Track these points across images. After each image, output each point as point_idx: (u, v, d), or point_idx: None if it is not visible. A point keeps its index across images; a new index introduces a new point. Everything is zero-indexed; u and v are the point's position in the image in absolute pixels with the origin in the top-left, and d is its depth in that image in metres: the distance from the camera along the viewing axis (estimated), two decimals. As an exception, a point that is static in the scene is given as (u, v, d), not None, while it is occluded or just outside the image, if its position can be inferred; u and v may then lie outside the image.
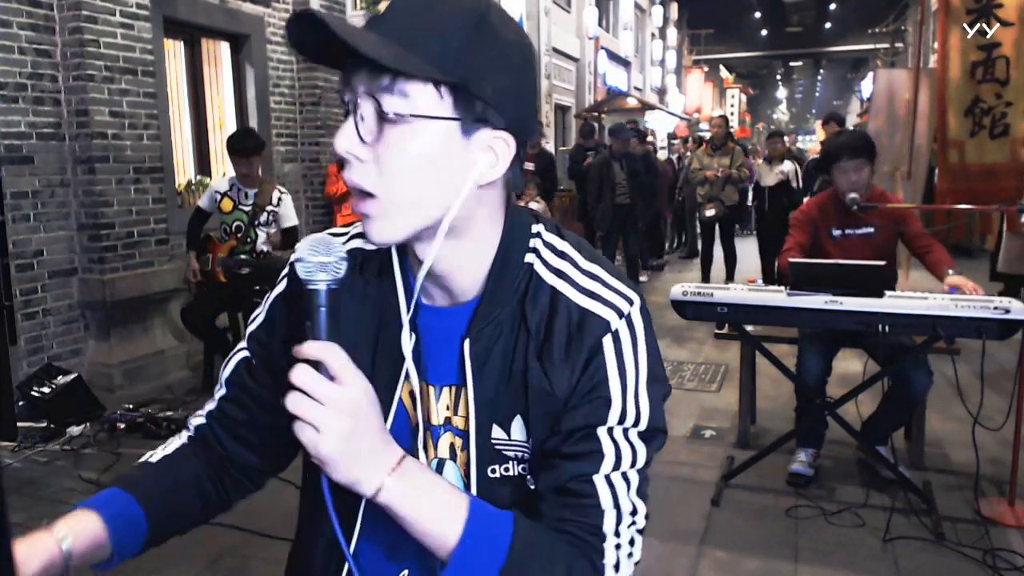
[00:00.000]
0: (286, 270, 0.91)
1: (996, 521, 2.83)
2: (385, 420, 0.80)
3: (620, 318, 0.79)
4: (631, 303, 0.80)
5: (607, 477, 0.77)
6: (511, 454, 0.80)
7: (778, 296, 2.83)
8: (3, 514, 0.47)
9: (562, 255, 0.83)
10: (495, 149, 0.75)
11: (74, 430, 3.85)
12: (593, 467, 0.77)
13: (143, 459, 0.91)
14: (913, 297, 2.71)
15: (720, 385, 4.69)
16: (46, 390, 4.00)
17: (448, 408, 0.83)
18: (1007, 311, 2.54)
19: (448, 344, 0.81)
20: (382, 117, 0.71)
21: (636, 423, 0.78)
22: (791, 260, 2.92)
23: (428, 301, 0.84)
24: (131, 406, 4.06)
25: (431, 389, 0.83)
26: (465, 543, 0.71)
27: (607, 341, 0.78)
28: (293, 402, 0.67)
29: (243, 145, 4.39)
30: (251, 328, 0.93)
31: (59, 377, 4.09)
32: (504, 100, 0.74)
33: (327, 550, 0.87)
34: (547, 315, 0.79)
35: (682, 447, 3.69)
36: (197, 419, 0.95)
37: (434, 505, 0.71)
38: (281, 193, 4.48)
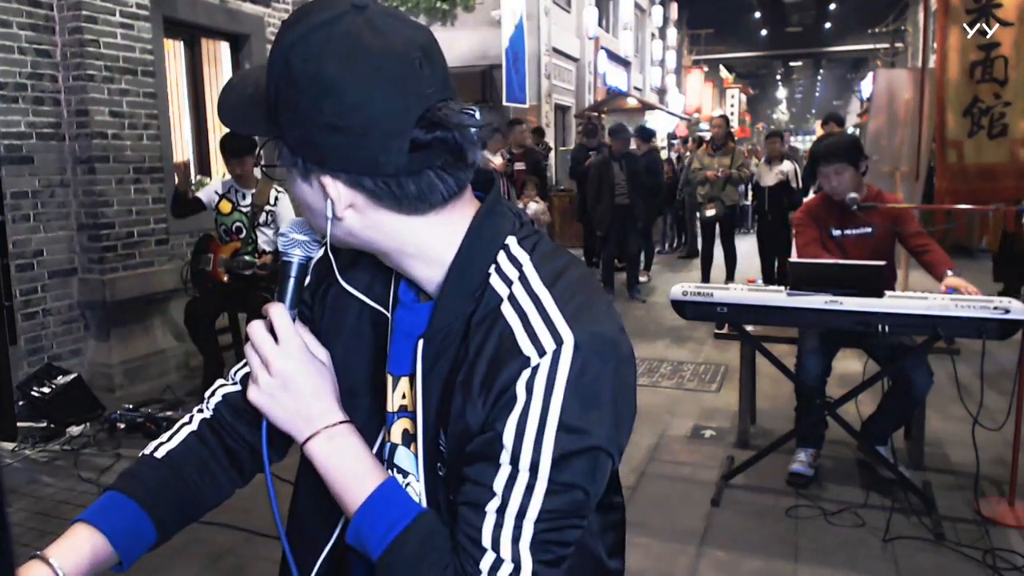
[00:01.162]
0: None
1: (996, 521, 2.84)
2: (385, 400, 0.85)
3: (540, 355, 0.72)
4: (560, 343, 0.73)
5: (497, 513, 0.73)
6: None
7: (778, 296, 2.83)
8: (3, 514, 0.47)
9: (520, 271, 0.78)
10: (332, 190, 0.75)
11: (74, 430, 3.86)
12: (481, 499, 0.74)
13: (147, 451, 0.90)
14: (913, 297, 2.71)
15: (720, 385, 4.69)
16: (46, 390, 4.00)
17: (404, 397, 0.84)
18: (1007, 311, 2.54)
19: (408, 336, 0.83)
20: None
21: (533, 472, 0.72)
22: (791, 260, 2.93)
23: (414, 292, 0.85)
24: (131, 406, 4.07)
25: (388, 377, 0.85)
26: (360, 517, 0.76)
27: (522, 378, 0.72)
28: (247, 349, 0.81)
29: (235, 145, 4.34)
30: None
31: (59, 377, 4.10)
32: (306, 146, 0.74)
33: (314, 532, 0.88)
34: (484, 334, 0.76)
35: (682, 447, 3.69)
36: (224, 388, 0.95)
37: (350, 471, 0.78)
38: (278, 192, 4.46)
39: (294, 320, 0.84)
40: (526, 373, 0.72)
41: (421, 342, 0.79)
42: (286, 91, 0.73)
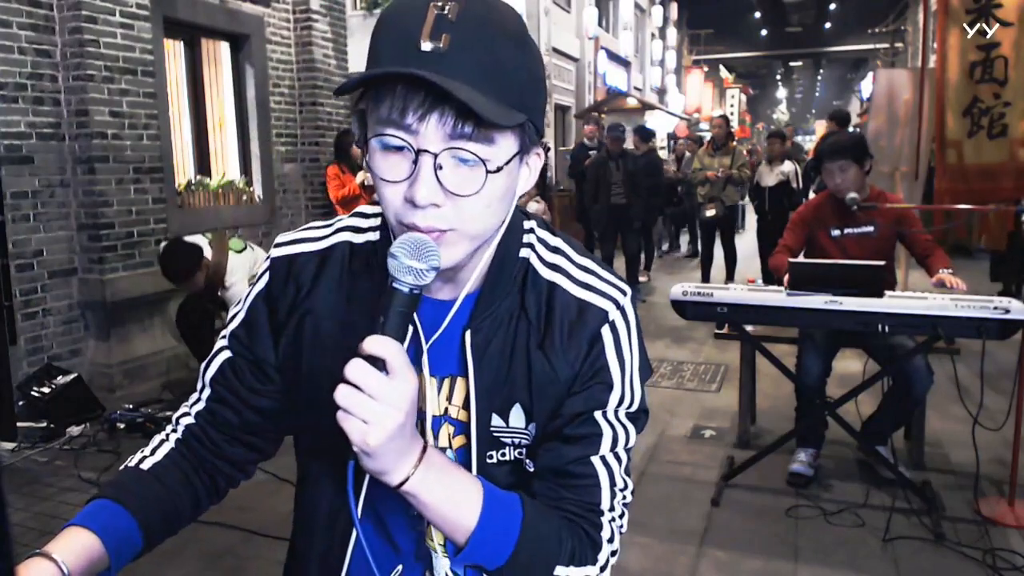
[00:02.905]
0: (265, 265, 0.90)
1: (996, 521, 2.84)
2: None
3: (616, 308, 0.84)
4: (624, 293, 0.86)
5: (603, 457, 0.83)
6: (508, 440, 0.83)
7: (778, 296, 2.83)
8: (3, 514, 0.47)
9: (556, 250, 0.87)
10: (530, 163, 0.80)
11: (74, 430, 3.86)
12: (593, 449, 0.82)
13: (131, 463, 0.90)
14: (913, 297, 2.71)
15: (720, 385, 4.69)
16: (46, 390, 4.00)
17: (446, 398, 0.85)
18: (1007, 311, 2.54)
19: (448, 335, 0.82)
20: (466, 163, 0.71)
21: (630, 406, 0.85)
22: (791, 260, 2.93)
23: (428, 293, 0.84)
24: (131, 406, 4.06)
25: (431, 380, 0.85)
26: (481, 527, 0.74)
27: (606, 330, 0.83)
28: (343, 395, 0.67)
29: (177, 271, 3.93)
30: (231, 326, 0.91)
31: (59, 377, 4.09)
32: (542, 115, 0.78)
33: (326, 545, 0.88)
34: (545, 307, 0.83)
35: (682, 447, 3.69)
36: (185, 418, 0.93)
37: (453, 493, 0.74)
38: (225, 290, 3.99)
39: None
40: (607, 327, 0.83)
41: (468, 333, 0.81)
42: (535, 70, 0.76)
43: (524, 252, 0.85)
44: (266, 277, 0.89)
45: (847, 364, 4.03)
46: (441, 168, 0.71)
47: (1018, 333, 2.62)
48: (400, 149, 0.71)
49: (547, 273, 0.85)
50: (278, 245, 0.90)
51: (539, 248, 0.87)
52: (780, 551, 2.70)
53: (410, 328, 0.81)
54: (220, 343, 0.92)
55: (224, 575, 2.59)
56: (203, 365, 0.93)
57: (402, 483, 0.71)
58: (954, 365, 3.02)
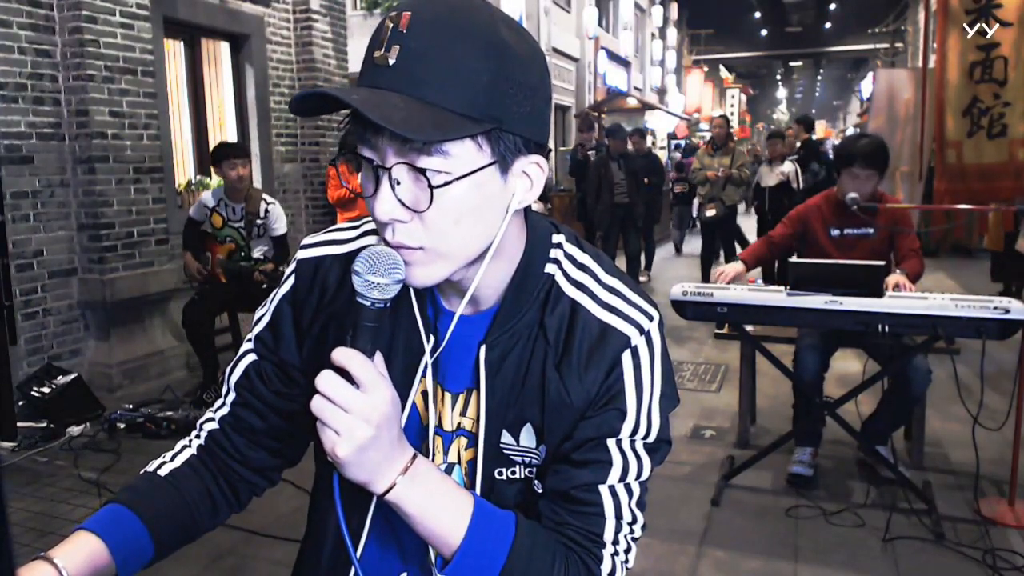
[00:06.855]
0: (292, 267, 0.90)
1: (996, 521, 2.84)
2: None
3: (640, 334, 0.80)
4: (651, 319, 0.82)
5: (612, 487, 0.79)
6: (518, 459, 0.82)
7: (778, 296, 2.83)
8: (3, 514, 0.47)
9: (583, 268, 0.84)
10: (529, 173, 0.76)
11: (74, 430, 3.85)
12: (600, 477, 0.79)
13: (150, 469, 0.89)
14: (913, 297, 2.71)
15: (720, 385, 4.69)
16: (46, 390, 4.00)
17: (460, 413, 0.83)
18: (1007, 311, 2.54)
19: (466, 350, 0.82)
20: (420, 178, 0.69)
21: (646, 436, 0.81)
22: (791, 260, 2.93)
23: (449, 306, 0.84)
24: (131, 406, 4.06)
25: (447, 395, 0.84)
26: (468, 543, 0.73)
27: (626, 356, 0.79)
28: (317, 405, 0.69)
29: (234, 147, 4.42)
30: (257, 329, 0.91)
31: (59, 377, 4.09)
32: (532, 123, 0.73)
33: (335, 551, 0.87)
34: (566, 327, 0.80)
35: (682, 447, 3.69)
36: (209, 423, 0.93)
37: (441, 505, 0.73)
38: (268, 204, 4.46)
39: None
40: (628, 353, 0.80)
41: (483, 348, 0.79)
42: (510, 72, 0.70)
43: (550, 268, 0.82)
44: (292, 279, 0.89)
45: (847, 364, 4.02)
46: (399, 183, 0.70)
47: (1018, 333, 2.62)
48: (371, 163, 0.71)
49: (571, 291, 0.82)
50: (305, 247, 0.90)
51: (566, 264, 0.83)
52: (780, 551, 2.70)
53: (431, 340, 0.82)
54: (246, 346, 0.92)
55: (225, 575, 2.59)
56: (228, 368, 0.93)
57: (386, 492, 0.71)
58: (954, 365, 3.02)
